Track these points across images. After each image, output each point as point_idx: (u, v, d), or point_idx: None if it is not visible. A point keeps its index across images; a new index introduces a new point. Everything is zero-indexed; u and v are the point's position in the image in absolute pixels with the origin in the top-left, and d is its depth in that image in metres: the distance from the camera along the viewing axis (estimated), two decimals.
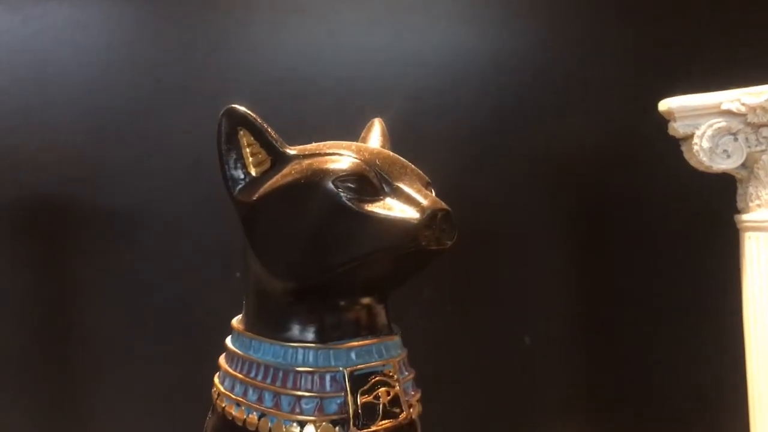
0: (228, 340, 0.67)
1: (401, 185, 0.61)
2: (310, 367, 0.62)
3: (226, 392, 0.65)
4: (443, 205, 0.60)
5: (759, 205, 0.96)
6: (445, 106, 1.21)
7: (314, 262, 0.61)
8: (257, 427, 0.62)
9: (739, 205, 0.99)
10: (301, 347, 0.62)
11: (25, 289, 1.17)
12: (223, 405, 0.64)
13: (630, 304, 1.24)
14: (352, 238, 0.59)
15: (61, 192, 1.17)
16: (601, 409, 1.25)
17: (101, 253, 1.18)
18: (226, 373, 0.66)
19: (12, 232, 1.17)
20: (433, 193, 0.64)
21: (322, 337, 0.63)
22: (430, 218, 0.59)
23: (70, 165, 1.16)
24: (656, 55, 1.20)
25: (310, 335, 0.63)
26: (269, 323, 0.64)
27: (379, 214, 0.59)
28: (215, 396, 0.66)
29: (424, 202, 0.60)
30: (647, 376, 1.23)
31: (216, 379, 0.67)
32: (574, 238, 1.25)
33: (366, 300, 0.65)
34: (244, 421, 0.62)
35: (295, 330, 0.63)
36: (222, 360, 0.67)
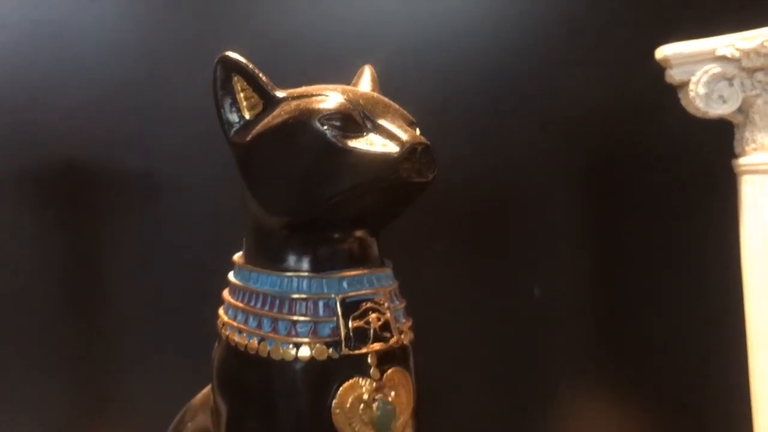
0: (230, 275, 0.72)
1: (383, 122, 0.65)
2: (304, 294, 0.66)
3: (230, 321, 0.70)
4: (422, 139, 0.64)
5: (755, 149, 0.97)
6: (451, 64, 1.24)
7: (304, 198, 0.65)
8: (257, 351, 0.66)
9: (737, 150, 1.00)
10: (296, 276, 0.67)
11: (52, 250, 1.23)
12: (227, 333, 0.70)
13: (638, 255, 1.26)
14: (337, 173, 0.64)
15: (84, 157, 1.22)
16: (609, 361, 1.27)
17: (124, 214, 1.24)
18: (229, 304, 0.71)
19: (38, 196, 1.23)
20: (417, 132, 0.68)
21: (316, 267, 0.67)
22: (410, 151, 0.63)
23: (92, 130, 1.21)
24: (659, 5, 1.21)
25: (305, 265, 0.67)
26: (267, 256, 0.69)
27: (361, 149, 0.64)
28: (220, 326, 0.71)
29: (404, 137, 0.64)
30: (655, 327, 1.25)
31: (221, 311, 0.72)
32: (582, 191, 1.27)
33: (358, 233, 0.69)
34: (246, 346, 0.67)
35: (291, 261, 0.67)
36: (225, 293, 0.72)
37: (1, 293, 1.21)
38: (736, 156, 1.00)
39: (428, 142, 0.64)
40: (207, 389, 0.78)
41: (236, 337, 0.68)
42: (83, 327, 1.24)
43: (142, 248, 1.24)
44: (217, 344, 0.72)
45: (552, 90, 1.23)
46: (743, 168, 0.98)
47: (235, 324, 0.69)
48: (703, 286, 1.20)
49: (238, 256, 0.72)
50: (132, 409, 1.22)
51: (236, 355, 0.68)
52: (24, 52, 1.20)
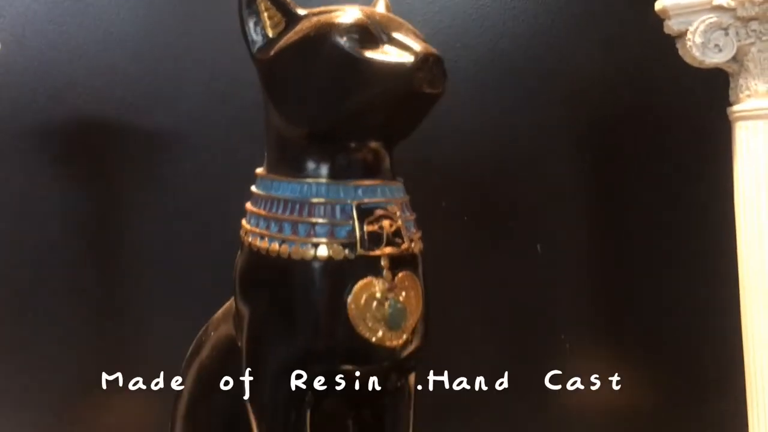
0: (253, 187, 0.77)
1: (397, 35, 0.70)
2: (322, 199, 0.71)
3: (252, 228, 0.74)
4: (434, 50, 0.69)
5: (749, 96, 1.01)
6: (458, 29, 1.28)
7: (324, 108, 0.70)
8: (278, 253, 0.71)
9: (731, 98, 1.04)
10: (315, 183, 0.72)
11: (77, 203, 1.28)
12: (249, 240, 0.74)
13: (637, 210, 1.29)
14: (355, 83, 0.68)
15: (107, 114, 1.27)
16: (609, 313, 1.31)
17: (144, 170, 1.28)
18: (251, 213, 0.75)
19: (63, 152, 1.28)
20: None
21: (333, 175, 0.72)
22: (423, 61, 0.67)
23: (114, 89, 1.26)
24: None
25: (323, 172, 0.72)
26: (288, 165, 0.73)
27: (378, 59, 0.68)
28: (242, 234, 0.76)
29: (417, 47, 0.69)
30: (656, 284, 1.29)
31: (243, 221, 0.77)
32: (585, 151, 1.31)
33: (372, 144, 0.73)
34: (267, 249, 0.72)
35: (310, 169, 0.72)
36: (248, 204, 0.77)
37: (26, 245, 1.27)
38: (730, 104, 1.05)
39: (439, 54, 0.69)
40: (227, 304, 0.82)
41: (258, 242, 0.73)
42: (105, 276, 1.29)
43: (161, 202, 1.29)
44: (239, 253, 0.77)
45: (553, 52, 1.27)
46: (737, 114, 1.02)
47: (257, 230, 0.74)
48: (700, 238, 1.24)
49: (260, 170, 0.77)
50: (149, 353, 1.27)
51: (258, 259, 0.73)
52: (47, 13, 1.25)
